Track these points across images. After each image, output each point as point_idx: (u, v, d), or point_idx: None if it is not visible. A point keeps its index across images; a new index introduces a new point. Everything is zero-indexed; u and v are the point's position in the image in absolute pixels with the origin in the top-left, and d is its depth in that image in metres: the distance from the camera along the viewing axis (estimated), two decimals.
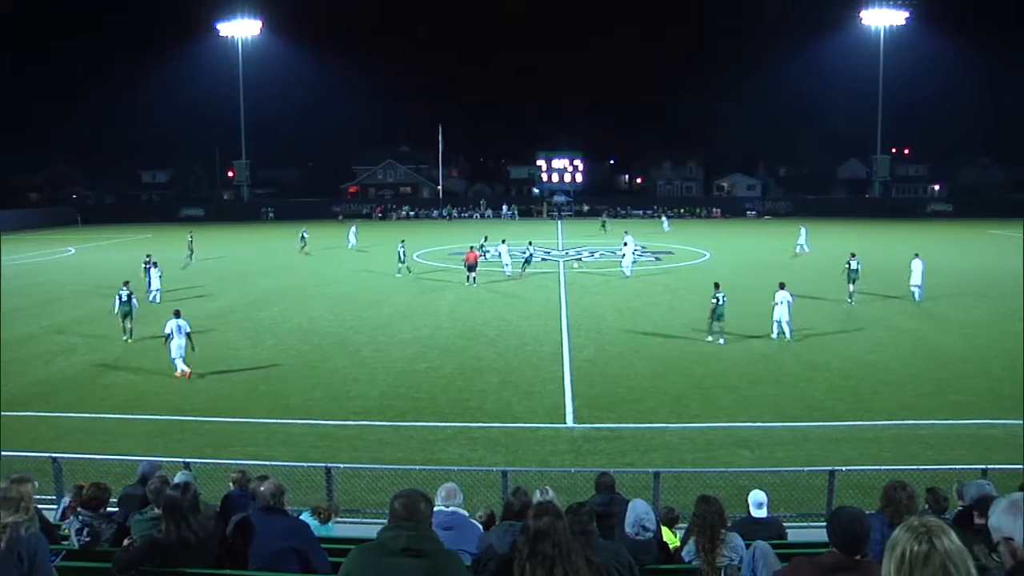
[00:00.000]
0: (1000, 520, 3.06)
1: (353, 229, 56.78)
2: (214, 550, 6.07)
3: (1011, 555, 3.03)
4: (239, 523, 6.43)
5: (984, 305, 30.49)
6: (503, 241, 41.62)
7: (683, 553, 7.17)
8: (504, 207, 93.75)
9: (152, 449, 14.75)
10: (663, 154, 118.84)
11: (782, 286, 25.49)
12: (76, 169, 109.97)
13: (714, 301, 24.70)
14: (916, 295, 30.97)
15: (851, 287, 31.14)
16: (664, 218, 72.92)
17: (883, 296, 32.19)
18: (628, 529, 7.21)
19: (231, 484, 9.64)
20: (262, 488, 6.64)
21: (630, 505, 7.43)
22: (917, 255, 31.79)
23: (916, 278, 31.04)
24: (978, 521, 6.32)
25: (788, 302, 25.05)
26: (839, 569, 4.19)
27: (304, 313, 29.96)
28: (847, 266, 31.34)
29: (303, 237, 52.95)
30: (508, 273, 39.04)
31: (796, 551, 6.78)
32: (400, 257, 40.16)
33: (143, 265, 34.73)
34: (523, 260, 39.84)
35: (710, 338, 24.62)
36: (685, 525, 9.16)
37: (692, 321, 27.42)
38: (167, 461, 12.40)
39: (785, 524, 11.39)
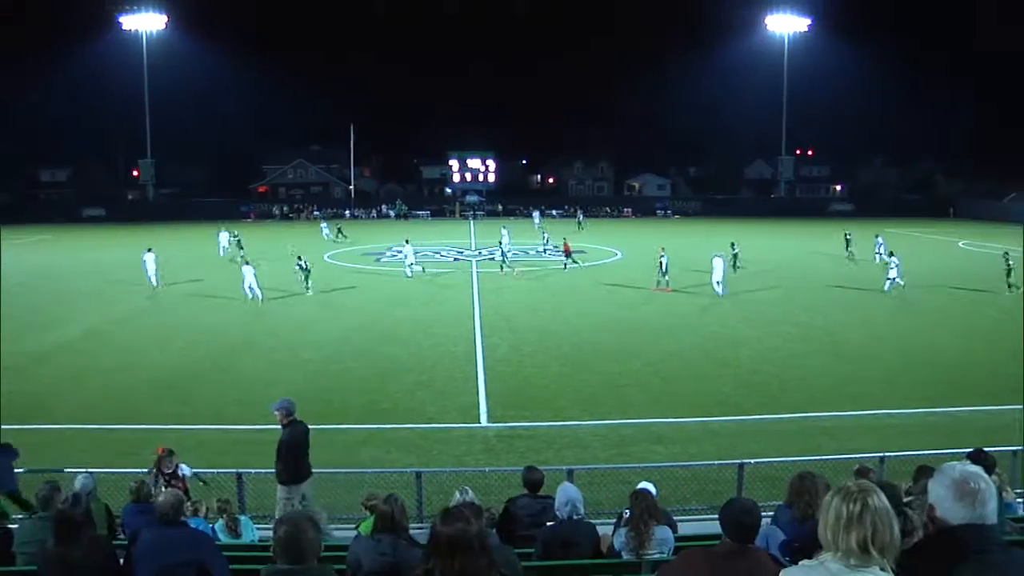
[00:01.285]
0: (937, 492, 3.23)
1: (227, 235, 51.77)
2: (100, 568, 5.87)
3: (931, 522, 3.21)
4: (129, 539, 6.21)
5: (880, 300, 31.81)
6: (406, 241, 40.56)
7: (615, 545, 7.26)
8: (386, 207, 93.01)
9: (52, 459, 14.16)
10: (575, 154, 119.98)
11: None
12: None
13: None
14: (718, 291, 32.77)
15: (664, 278, 33.93)
16: (536, 213, 74.80)
17: (790, 292, 33.20)
18: (561, 511, 7.26)
19: (130, 495, 9.36)
20: (159, 500, 6.42)
21: (561, 488, 7.49)
22: (718, 255, 34.07)
23: (717, 275, 33.09)
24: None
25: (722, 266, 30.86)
26: (730, 556, 4.36)
27: (212, 315, 29.27)
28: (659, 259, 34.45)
29: (325, 230, 59.51)
30: (409, 275, 38.33)
31: (708, 543, 6.92)
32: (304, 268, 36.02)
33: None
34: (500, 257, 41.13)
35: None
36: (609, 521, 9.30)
37: (605, 320, 27.84)
38: (69, 471, 11.95)
39: (697, 517, 11.69)
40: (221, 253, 47.25)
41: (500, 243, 44.28)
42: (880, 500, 3.01)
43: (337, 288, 35.81)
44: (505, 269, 40.08)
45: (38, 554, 5.77)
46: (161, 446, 11.51)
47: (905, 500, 6.78)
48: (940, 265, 42.97)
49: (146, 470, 11.41)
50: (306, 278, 34.30)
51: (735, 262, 37.14)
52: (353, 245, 54.33)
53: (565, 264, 41.55)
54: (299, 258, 35.19)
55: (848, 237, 46.79)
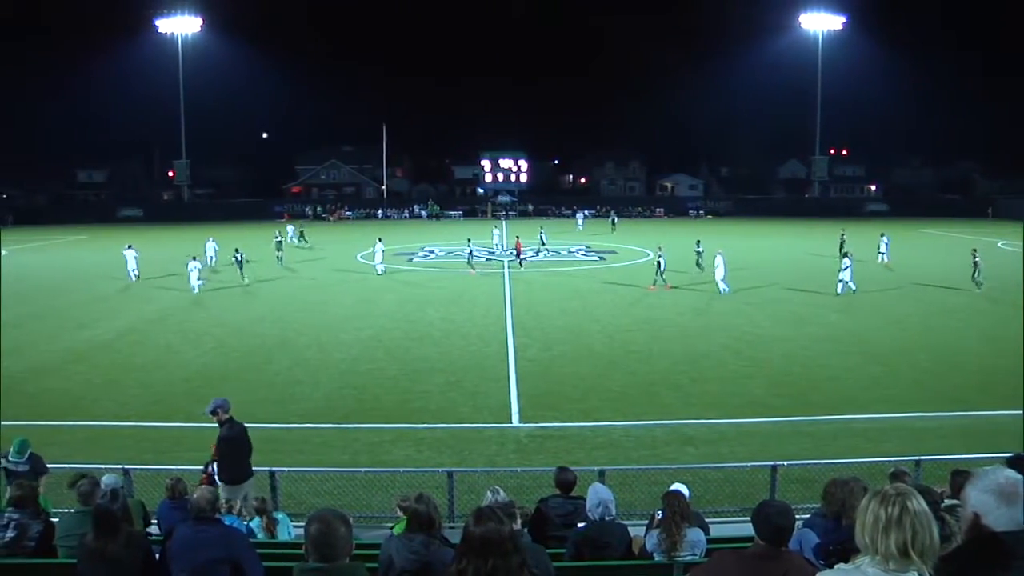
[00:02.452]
0: (979, 498, 3.15)
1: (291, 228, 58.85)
2: (137, 562, 5.96)
3: (973, 529, 3.14)
4: (164, 535, 6.29)
5: (912, 300, 31.48)
6: (379, 240, 41.76)
7: (647, 547, 7.24)
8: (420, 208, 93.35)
9: (90, 455, 14.39)
10: (606, 154, 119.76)
11: (846, 255, 33.11)
12: (7, 168, 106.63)
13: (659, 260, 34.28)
14: (722, 288, 32.89)
15: (660, 277, 34.56)
16: (579, 215, 75.30)
17: (819, 293, 32.87)
18: (593, 512, 7.24)
19: (165, 492, 9.50)
20: (195, 496, 6.47)
21: (592, 489, 7.46)
22: (719, 252, 34.15)
23: (720, 273, 33.21)
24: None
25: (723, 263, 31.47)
26: (761, 559, 4.32)
27: (245, 314, 29.55)
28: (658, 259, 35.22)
29: (291, 233, 56.79)
30: (379, 273, 39.64)
31: (740, 545, 6.88)
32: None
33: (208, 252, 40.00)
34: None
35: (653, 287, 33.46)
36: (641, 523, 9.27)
37: (635, 320, 27.76)
38: (106, 467, 12.12)
39: (729, 519, 11.60)
40: (209, 263, 43.82)
41: (468, 242, 44.92)
42: (919, 504, 3.00)
43: (368, 288, 36.04)
44: (475, 268, 41.04)
45: (78, 547, 5.88)
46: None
47: (944, 504, 6.70)
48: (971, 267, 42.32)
49: (203, 468, 11.66)
50: (241, 269, 37.46)
51: (698, 260, 38.65)
52: (313, 251, 53.37)
53: (520, 262, 42.61)
54: (236, 250, 38.47)
55: (843, 237, 45.19)
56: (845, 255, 33.89)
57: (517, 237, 46.34)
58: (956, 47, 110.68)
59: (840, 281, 32.51)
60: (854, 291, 32.16)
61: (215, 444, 11.43)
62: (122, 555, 5.86)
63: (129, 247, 39.14)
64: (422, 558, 5.45)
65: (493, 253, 49.82)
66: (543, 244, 50.80)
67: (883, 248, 42.71)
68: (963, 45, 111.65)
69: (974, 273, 33.50)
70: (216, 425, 11.51)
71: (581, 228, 67.75)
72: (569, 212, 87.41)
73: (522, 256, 43.23)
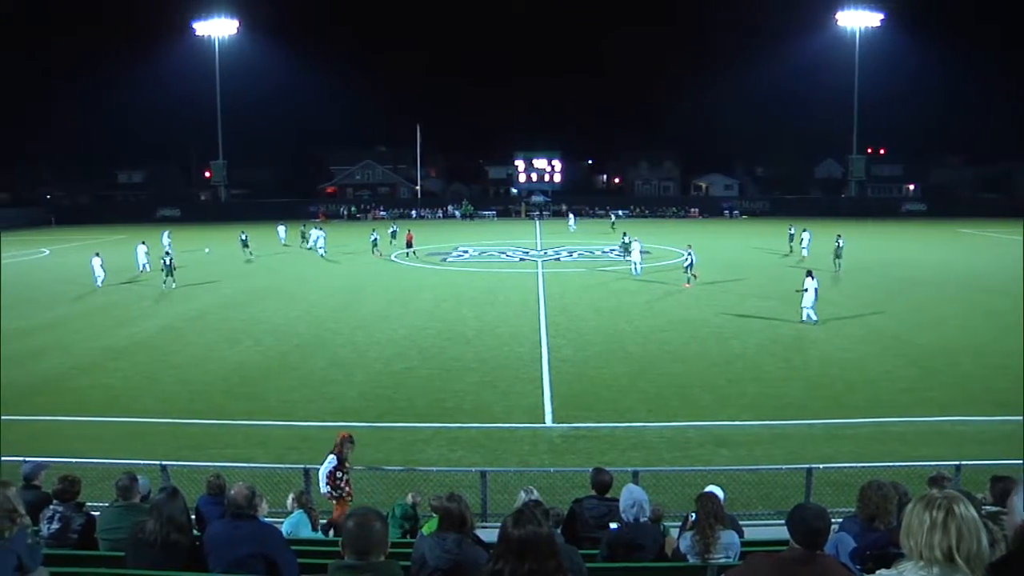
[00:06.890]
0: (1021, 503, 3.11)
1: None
2: (182, 556, 6.09)
3: (1023, 537, 3.11)
4: (202, 530, 6.40)
5: (953, 302, 30.96)
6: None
7: (680, 548, 7.21)
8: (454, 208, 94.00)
9: (129, 451, 14.61)
10: (640, 154, 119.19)
11: (809, 274, 27.53)
12: (49, 169, 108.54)
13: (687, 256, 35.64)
14: (634, 271, 37.49)
15: (688, 273, 35.96)
16: (571, 214, 76.61)
17: (858, 294, 32.49)
18: (627, 513, 7.22)
19: (205, 488, 9.63)
20: (232, 493, 6.53)
21: (626, 489, 7.44)
22: (635, 239, 39.31)
23: (635, 256, 37.99)
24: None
25: (815, 288, 26.75)
26: (797, 563, 4.27)
27: (282, 314, 29.80)
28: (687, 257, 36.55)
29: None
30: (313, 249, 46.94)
31: (774, 548, 6.82)
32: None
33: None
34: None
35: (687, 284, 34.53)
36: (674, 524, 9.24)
37: (670, 320, 27.62)
38: (144, 464, 12.31)
39: (763, 522, 11.50)
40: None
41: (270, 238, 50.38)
42: (967, 509, 2.96)
43: (403, 288, 36.21)
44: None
45: (130, 535, 6.06)
46: (344, 432, 12.23)
47: (984, 511, 6.60)
48: (1015, 268, 41.57)
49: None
50: (169, 274, 36.41)
51: (627, 248, 42.65)
52: (347, 249, 53.04)
53: (407, 253, 47.79)
54: (166, 253, 39.15)
55: (791, 233, 48.24)
56: (809, 274, 27.58)
57: (408, 230, 51.82)
58: (997, 43, 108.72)
59: (803, 307, 27.08)
60: (815, 321, 26.71)
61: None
62: (173, 546, 6.01)
63: (142, 243, 40.98)
64: (455, 557, 5.46)
65: (527, 253, 49.78)
66: (375, 246, 51.93)
67: (805, 243, 44.70)
68: (1004, 41, 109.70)
69: (835, 256, 39.17)
70: None
71: (573, 229, 67.39)
72: (602, 212, 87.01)
73: (412, 248, 48.36)
